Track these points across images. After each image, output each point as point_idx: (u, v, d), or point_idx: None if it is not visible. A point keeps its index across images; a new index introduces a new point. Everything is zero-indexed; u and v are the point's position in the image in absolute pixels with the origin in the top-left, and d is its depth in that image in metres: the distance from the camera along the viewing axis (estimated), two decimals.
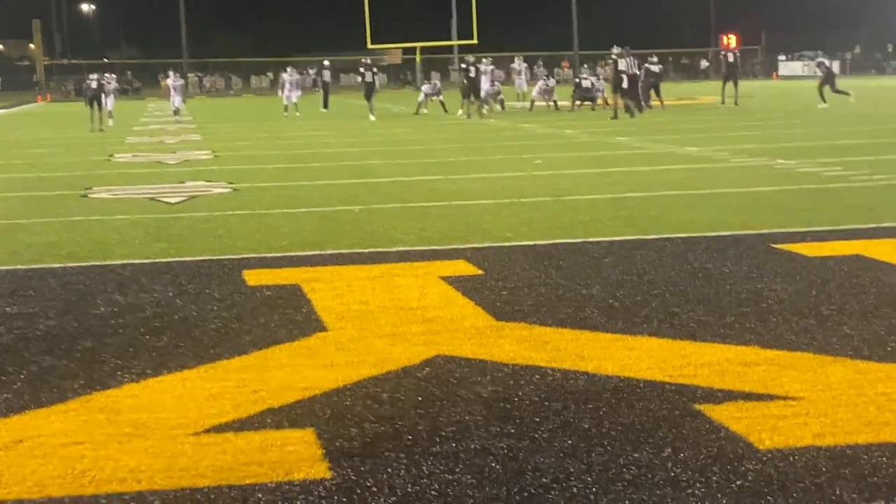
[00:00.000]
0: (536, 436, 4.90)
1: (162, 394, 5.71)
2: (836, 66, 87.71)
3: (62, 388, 5.87)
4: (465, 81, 37.19)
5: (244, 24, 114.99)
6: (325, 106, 43.27)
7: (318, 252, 10.18)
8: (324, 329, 7.09)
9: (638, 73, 35.34)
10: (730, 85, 39.09)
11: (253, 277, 8.94)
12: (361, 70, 39.48)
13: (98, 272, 9.43)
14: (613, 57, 34.24)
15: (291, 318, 7.44)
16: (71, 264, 9.84)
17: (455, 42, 76.90)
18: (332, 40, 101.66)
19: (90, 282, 8.97)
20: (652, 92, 37.60)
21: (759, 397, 5.37)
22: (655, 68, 38.39)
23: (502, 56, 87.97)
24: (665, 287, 8.12)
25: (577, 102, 39.10)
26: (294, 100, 41.40)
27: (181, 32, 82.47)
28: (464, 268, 9.14)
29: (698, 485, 4.27)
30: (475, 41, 65.93)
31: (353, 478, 4.44)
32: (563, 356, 6.24)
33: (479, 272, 8.92)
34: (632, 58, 35.06)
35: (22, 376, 6.14)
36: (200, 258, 10.00)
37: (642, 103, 35.66)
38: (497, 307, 7.59)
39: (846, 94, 36.53)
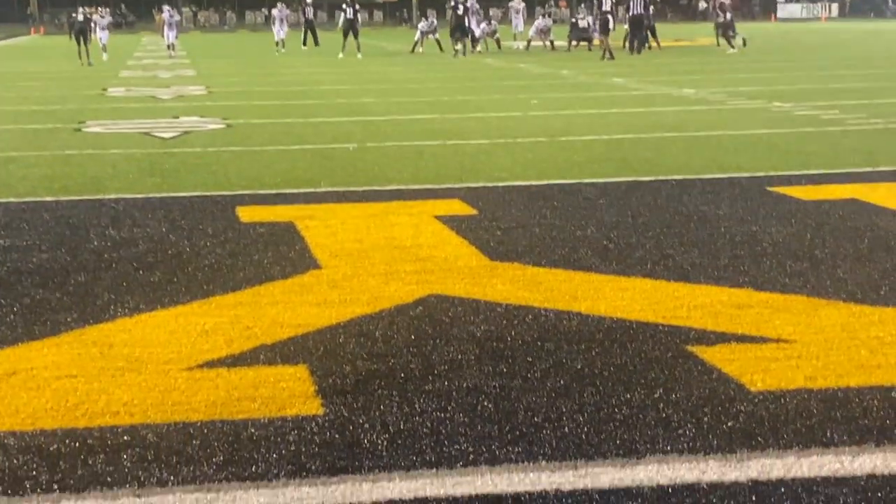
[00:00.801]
0: (529, 375, 4.90)
1: (155, 329, 5.71)
2: (834, 9, 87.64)
3: (55, 321, 5.87)
4: (453, 19, 36.99)
5: None
6: (305, 43, 42.88)
7: (312, 189, 10.15)
8: (317, 266, 7.08)
9: (643, 12, 35.27)
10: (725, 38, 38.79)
11: (247, 214, 8.91)
12: (343, 6, 39.08)
13: (91, 206, 9.40)
14: None
15: (285, 255, 7.43)
16: (64, 198, 9.81)
17: None
18: None
19: (83, 216, 8.95)
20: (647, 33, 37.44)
21: (751, 339, 5.37)
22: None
23: None
24: (659, 229, 8.11)
25: (574, 43, 38.87)
26: (282, 35, 41.29)
27: None
28: (458, 207, 9.12)
29: (689, 425, 4.28)
30: None
31: (346, 414, 4.45)
32: (557, 297, 6.24)
33: (474, 212, 8.90)
34: None
35: (15, 309, 6.13)
36: (194, 194, 9.97)
37: (645, 43, 35.56)
38: (491, 247, 7.58)
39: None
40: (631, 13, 35.54)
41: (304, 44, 43.16)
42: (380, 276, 6.80)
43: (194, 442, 4.18)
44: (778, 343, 5.31)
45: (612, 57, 31.91)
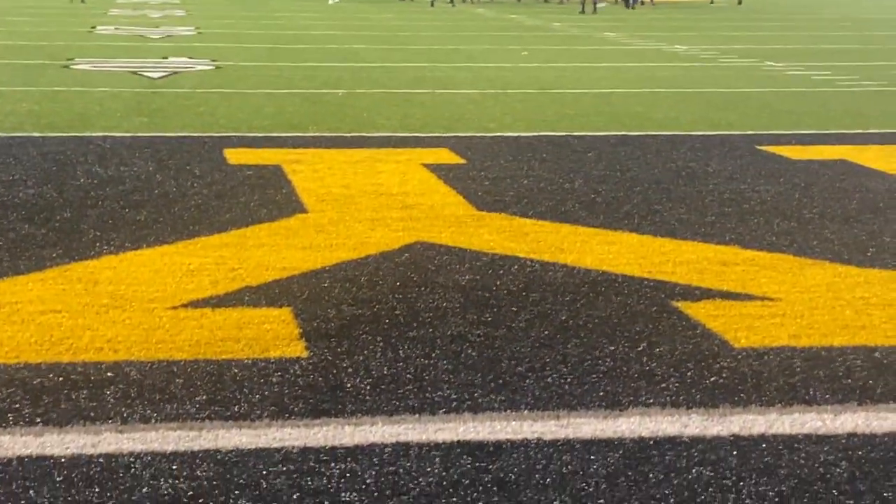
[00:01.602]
0: (513, 325, 4.90)
1: (140, 267, 5.69)
2: None
3: (40, 256, 5.84)
4: None
5: None
6: None
7: (300, 134, 10.10)
8: (304, 211, 7.06)
9: None
10: None
11: (234, 156, 8.87)
12: None
13: (78, 143, 9.35)
14: None
15: (272, 198, 7.40)
16: (51, 134, 9.75)
17: None
18: None
19: (70, 152, 8.90)
20: None
21: (736, 296, 5.38)
22: None
23: None
24: (647, 184, 8.10)
25: None
26: None
27: None
28: (446, 156, 9.09)
29: (672, 379, 4.29)
30: None
31: (329, 358, 4.44)
32: (543, 248, 6.23)
33: (462, 161, 8.87)
34: None
35: (0, 243, 6.10)
36: (181, 134, 9.93)
37: None
38: (478, 196, 7.56)
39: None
40: None
41: None
42: (366, 221, 6.78)
43: (177, 380, 4.17)
44: (763, 301, 5.32)
45: (594, 11, 31.73)
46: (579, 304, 5.22)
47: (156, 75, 14.45)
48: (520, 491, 3.37)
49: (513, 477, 3.46)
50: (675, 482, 3.45)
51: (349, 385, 4.17)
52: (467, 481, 3.43)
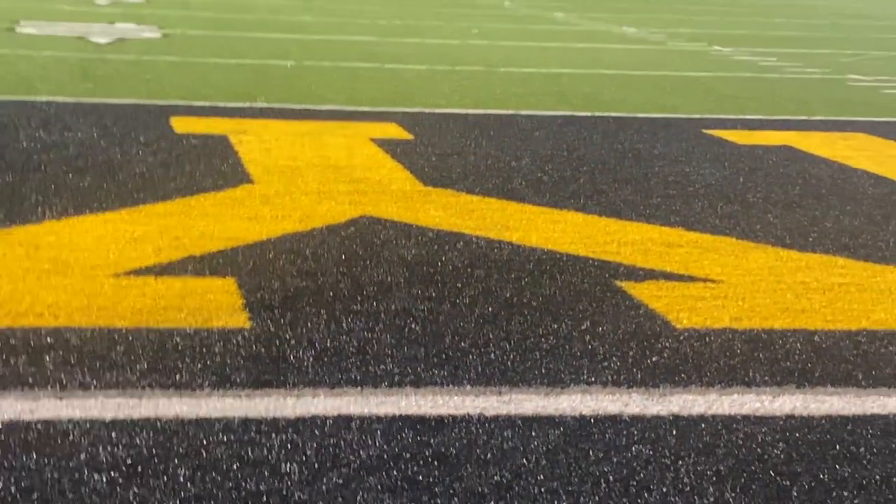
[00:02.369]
0: (457, 301, 4.90)
1: (83, 233, 5.63)
2: None
3: None
4: None
5: None
6: None
7: (247, 104, 10.03)
8: (250, 181, 7.02)
9: None
10: None
11: (180, 125, 8.80)
12: None
13: (22, 107, 9.23)
14: None
15: (218, 168, 7.34)
16: None
17: None
18: None
19: (13, 116, 8.78)
20: None
21: (679, 278, 5.41)
22: None
23: None
24: (594, 165, 8.12)
25: None
26: None
27: None
28: (394, 131, 9.07)
29: (615, 358, 4.31)
30: None
31: (273, 329, 4.42)
32: (489, 225, 6.24)
33: (410, 136, 8.86)
34: None
35: None
36: (127, 101, 9.83)
37: None
38: (425, 172, 7.55)
39: None
40: None
41: None
42: (312, 194, 6.75)
43: (118, 348, 4.14)
44: (705, 283, 5.35)
45: None
46: (524, 281, 5.23)
47: (102, 41, 14.29)
48: (460, 465, 3.38)
49: (454, 451, 3.47)
50: (615, 460, 3.47)
51: (292, 357, 4.15)
52: (408, 455, 3.43)
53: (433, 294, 4.98)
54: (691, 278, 5.41)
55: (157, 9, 20.30)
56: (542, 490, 3.27)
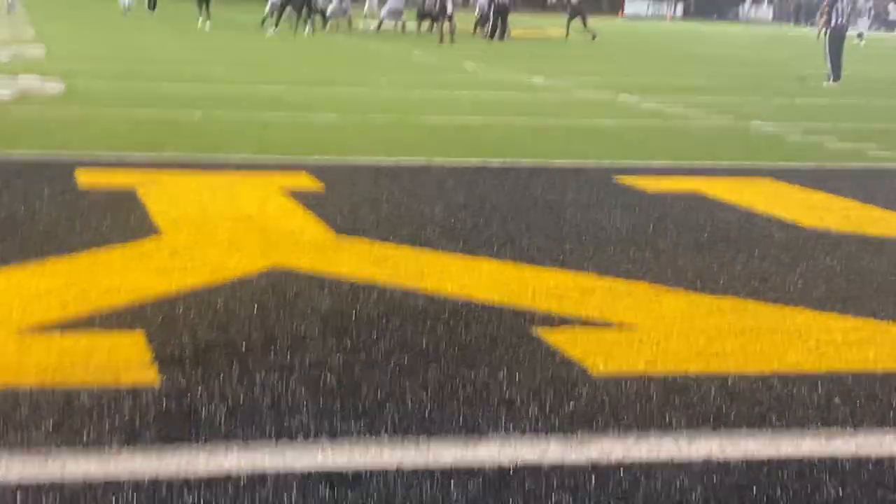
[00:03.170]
0: (373, 352, 4.85)
1: None
2: (679, 9, 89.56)
3: None
4: None
5: None
6: (152, 7, 42.70)
7: (154, 155, 9.91)
8: (158, 234, 6.91)
9: (508, 0, 35.78)
10: (577, 22, 39.61)
11: (85, 178, 8.65)
12: None
13: None
14: None
15: (124, 220, 7.22)
16: None
17: None
18: None
19: None
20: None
21: (594, 323, 5.41)
22: None
23: None
24: (507, 212, 8.13)
25: (425, 25, 38.86)
26: (128, 1, 40.81)
27: None
28: (305, 181, 9.01)
29: (532, 406, 4.27)
30: None
31: (183, 384, 4.32)
32: (403, 274, 6.19)
33: (321, 186, 8.80)
34: None
35: None
36: (31, 155, 9.65)
37: (506, 31, 35.90)
38: (337, 222, 7.49)
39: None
40: (496, 0, 35.78)
41: (151, 7, 42.64)
42: (223, 246, 6.66)
43: (23, 408, 4.02)
44: (620, 328, 5.35)
45: (452, 41, 31.95)
46: (439, 330, 5.19)
47: (4, 94, 14.06)
48: None
49: None
50: None
51: (203, 412, 4.06)
52: None
53: (348, 345, 4.92)
54: (606, 324, 5.41)
55: (61, 62, 20.04)
56: None
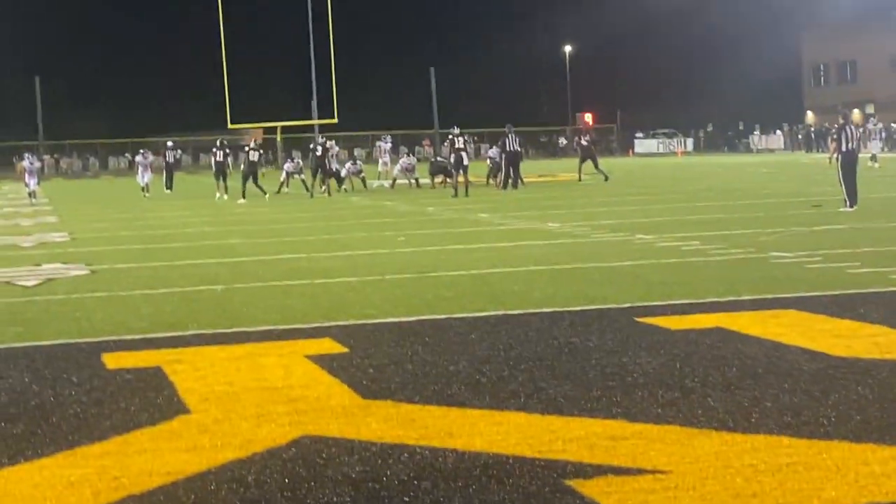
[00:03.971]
0: None
1: (18, 483, 5.49)
2: (689, 144, 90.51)
3: None
4: (312, 160, 37.88)
5: (101, 104, 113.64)
6: (169, 187, 43.59)
7: (179, 333, 9.98)
8: (187, 412, 6.93)
9: (519, 149, 36.32)
10: (588, 164, 40.14)
11: (112, 360, 8.71)
12: (213, 150, 39.51)
13: None
14: (451, 136, 34.81)
15: (153, 401, 7.25)
16: None
17: (316, 121, 77.08)
18: (193, 120, 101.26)
19: None
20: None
21: (628, 471, 5.37)
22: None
23: (363, 135, 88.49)
24: (531, 362, 8.13)
25: (438, 180, 39.38)
26: (146, 181, 41.63)
27: (37, 115, 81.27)
28: (328, 346, 9.05)
29: None
30: (335, 120, 66.35)
31: None
32: (432, 433, 6.18)
33: (345, 350, 8.84)
34: (513, 134, 35.88)
35: None
36: (57, 342, 9.73)
37: (519, 179, 36.33)
38: (363, 385, 7.50)
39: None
40: (508, 150, 36.29)
41: (168, 187, 43.43)
42: (251, 418, 6.67)
43: None
44: (654, 474, 5.31)
45: (466, 194, 32.30)
46: (472, 489, 5.16)
47: (30, 283, 14.23)
48: None
49: None
50: None
51: None
52: None
53: None
54: (640, 471, 5.37)
55: (83, 246, 20.33)
56: None
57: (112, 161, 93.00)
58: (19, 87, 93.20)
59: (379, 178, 43.39)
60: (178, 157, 47.27)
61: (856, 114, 71.81)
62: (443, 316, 10.46)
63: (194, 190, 43.87)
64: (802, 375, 7.39)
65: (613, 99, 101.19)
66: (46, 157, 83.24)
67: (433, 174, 39.91)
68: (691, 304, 10.75)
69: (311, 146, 38.05)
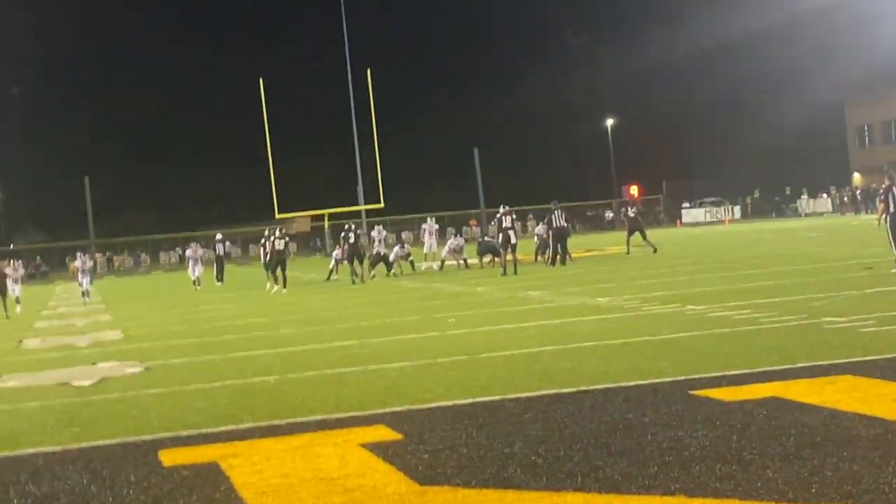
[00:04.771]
0: None
1: None
2: (736, 211, 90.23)
3: None
4: (346, 247, 37.27)
5: (151, 199, 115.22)
6: (220, 279, 43.87)
7: (234, 427, 10.02)
8: None
9: (566, 225, 36.41)
10: (637, 236, 40.16)
11: (169, 457, 8.76)
12: (262, 240, 39.47)
13: (9, 463, 9.17)
14: (498, 215, 34.85)
15: (210, 497, 7.28)
16: None
17: (362, 207, 77.65)
18: (241, 211, 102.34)
19: (1, 474, 8.72)
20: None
21: None
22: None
23: (410, 218, 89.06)
24: (587, 440, 8.10)
25: (487, 259, 39.47)
26: (197, 274, 41.99)
27: (87, 214, 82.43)
28: (383, 433, 9.05)
29: None
30: (381, 205, 66.85)
31: None
32: None
33: (399, 436, 8.84)
34: (559, 210, 36.02)
35: None
36: (114, 441, 9.79)
37: (567, 254, 36.38)
38: (419, 471, 7.50)
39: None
40: (555, 226, 36.39)
41: (219, 279, 43.77)
42: None
43: None
44: None
45: (515, 272, 32.33)
46: None
47: (86, 383, 14.36)
48: None
49: None
50: None
51: None
52: None
53: None
54: None
55: (137, 342, 20.50)
56: None
57: (163, 256, 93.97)
58: (69, 188, 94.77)
59: (426, 260, 43.49)
60: (227, 249, 47.62)
61: None
62: (496, 397, 10.45)
63: (245, 281, 44.18)
64: (861, 442, 7.31)
65: (659, 170, 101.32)
66: (98, 255, 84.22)
67: (481, 254, 40.05)
68: (745, 374, 10.68)
69: (343, 234, 37.95)
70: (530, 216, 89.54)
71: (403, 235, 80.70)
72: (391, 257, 39.83)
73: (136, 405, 11.92)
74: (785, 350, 12.09)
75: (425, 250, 45.77)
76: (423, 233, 47.33)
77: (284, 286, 35.25)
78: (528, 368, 12.33)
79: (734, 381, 10.26)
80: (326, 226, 75.15)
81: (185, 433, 9.90)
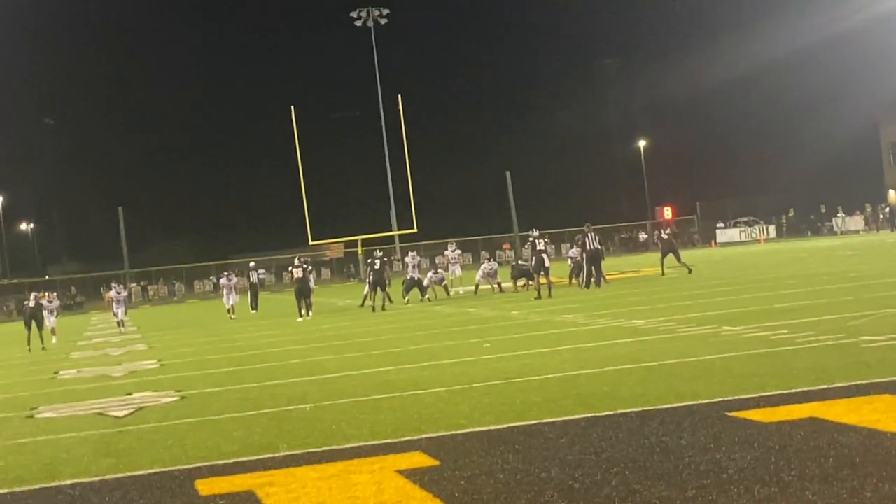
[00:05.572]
0: None
1: None
2: (771, 231, 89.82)
3: None
4: (370, 274, 37.20)
5: (185, 228, 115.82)
6: (254, 307, 44.00)
7: (270, 455, 10.02)
8: None
9: (600, 247, 36.38)
10: (671, 258, 40.01)
11: (205, 487, 8.76)
12: (290, 268, 39.45)
13: (47, 494, 9.21)
14: (531, 238, 34.79)
15: None
16: (19, 489, 9.59)
17: (396, 232, 77.77)
18: (274, 239, 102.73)
19: None
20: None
21: None
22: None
23: (444, 242, 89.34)
24: (624, 464, 8.05)
25: (521, 283, 39.42)
26: (232, 302, 42.15)
27: (121, 244, 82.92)
28: (419, 459, 9.03)
29: None
30: (415, 230, 66.98)
31: None
32: None
33: (436, 462, 8.81)
34: (593, 233, 35.99)
35: None
36: (151, 471, 9.81)
37: (602, 277, 36.31)
38: (456, 497, 7.47)
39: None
40: (588, 248, 36.33)
41: (253, 307, 43.92)
42: None
43: None
44: None
45: (549, 296, 32.27)
46: None
47: (122, 413, 14.40)
48: None
49: None
50: None
51: None
52: None
53: None
54: None
55: (173, 372, 20.56)
56: None
57: (197, 285, 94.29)
58: (103, 218, 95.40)
59: (452, 286, 43.18)
60: (261, 277, 47.86)
61: None
62: (532, 422, 10.41)
63: (279, 309, 44.28)
64: None
65: (692, 190, 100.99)
66: (133, 285, 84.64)
67: (515, 278, 40.02)
68: (783, 394, 10.60)
69: (370, 260, 37.93)
70: (564, 238, 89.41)
71: (437, 260, 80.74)
72: (425, 282, 39.84)
73: (172, 434, 11.94)
74: (822, 370, 12.00)
75: (450, 275, 45.48)
76: (446, 258, 47.08)
77: (308, 313, 35.32)
78: (564, 392, 12.29)
79: (771, 401, 10.19)
80: (360, 252, 75.30)
81: (221, 462, 9.90)
